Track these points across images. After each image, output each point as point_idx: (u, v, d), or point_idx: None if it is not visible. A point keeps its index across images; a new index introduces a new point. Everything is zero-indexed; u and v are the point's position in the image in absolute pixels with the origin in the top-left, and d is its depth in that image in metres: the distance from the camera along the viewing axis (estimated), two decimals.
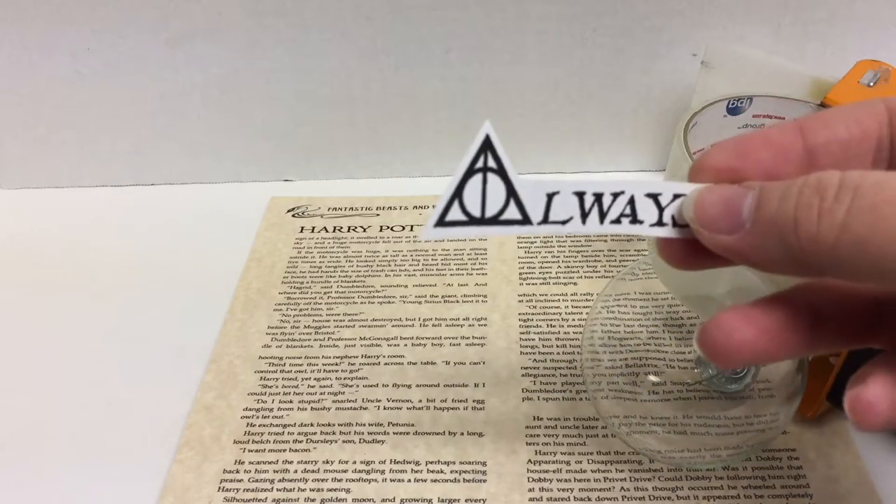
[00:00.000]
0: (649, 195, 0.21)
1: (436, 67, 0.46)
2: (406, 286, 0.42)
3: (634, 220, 0.21)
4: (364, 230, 0.47)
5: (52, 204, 0.51)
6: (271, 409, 0.36)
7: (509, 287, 0.42)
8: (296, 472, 0.33)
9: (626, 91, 0.47)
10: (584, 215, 0.21)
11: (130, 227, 0.48)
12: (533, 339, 0.39)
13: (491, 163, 0.21)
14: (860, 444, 0.33)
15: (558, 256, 0.44)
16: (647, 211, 0.21)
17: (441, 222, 0.20)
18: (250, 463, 0.34)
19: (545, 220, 0.21)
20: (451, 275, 0.43)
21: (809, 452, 0.33)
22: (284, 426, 0.35)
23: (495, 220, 0.21)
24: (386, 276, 0.43)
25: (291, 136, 0.50)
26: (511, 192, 0.21)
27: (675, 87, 0.46)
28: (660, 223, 0.21)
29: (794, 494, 0.31)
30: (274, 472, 0.33)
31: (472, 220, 0.21)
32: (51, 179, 0.52)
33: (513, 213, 0.21)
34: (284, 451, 0.34)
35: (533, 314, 0.40)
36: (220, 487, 0.33)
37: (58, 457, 0.35)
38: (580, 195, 0.21)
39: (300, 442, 0.34)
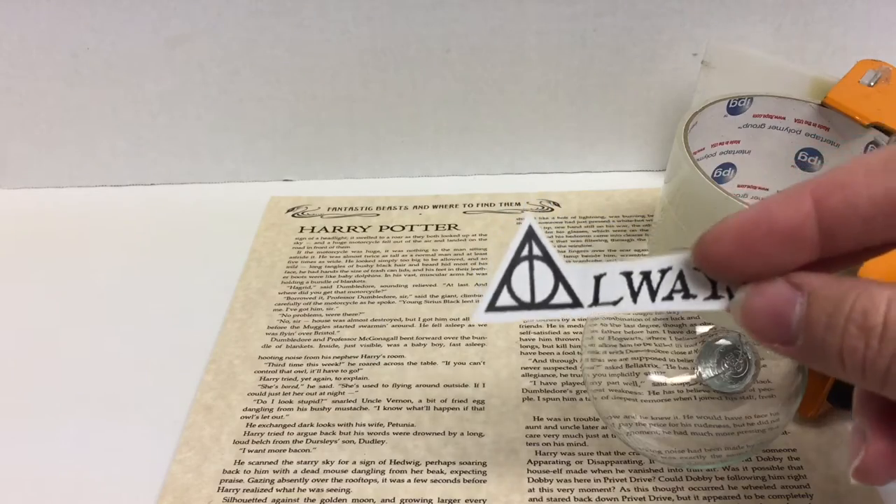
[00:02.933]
0: (698, 268, 0.21)
1: (436, 67, 0.46)
2: (406, 286, 0.42)
3: (687, 295, 0.21)
4: (364, 230, 0.47)
5: (52, 204, 0.51)
6: (271, 410, 0.36)
7: None
8: (295, 472, 0.33)
9: (626, 91, 0.47)
10: (634, 294, 0.21)
11: (130, 227, 0.48)
12: (533, 339, 0.39)
13: (536, 251, 0.22)
14: None
15: None
16: (698, 285, 0.21)
17: (492, 307, 0.21)
18: (250, 463, 0.34)
19: (595, 302, 0.21)
20: (451, 275, 0.43)
21: (810, 452, 0.33)
22: (284, 426, 0.35)
23: (546, 305, 0.21)
24: (386, 276, 0.43)
25: (291, 136, 0.50)
26: (559, 277, 0.22)
27: (676, 87, 0.46)
28: (714, 296, 0.21)
29: (795, 495, 0.31)
30: (274, 472, 0.33)
31: (522, 305, 0.21)
32: (51, 179, 0.52)
33: (563, 297, 0.21)
34: (284, 451, 0.34)
35: None
36: (219, 488, 0.33)
37: (57, 457, 0.35)
38: (627, 275, 0.21)
39: (300, 442, 0.34)
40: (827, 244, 0.19)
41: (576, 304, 0.21)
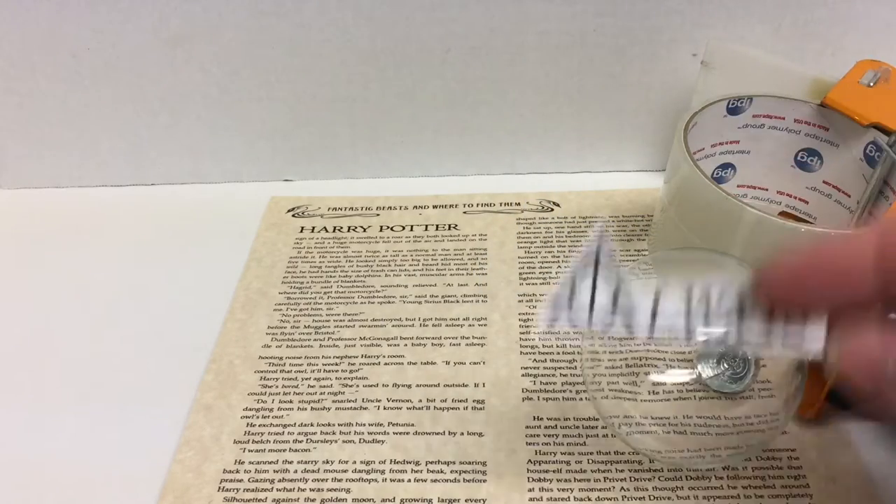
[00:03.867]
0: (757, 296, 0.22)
1: (436, 67, 0.46)
2: (406, 286, 0.42)
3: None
4: (364, 230, 0.47)
5: (52, 204, 0.51)
6: (271, 409, 0.36)
7: (509, 287, 0.42)
8: (296, 472, 0.33)
9: (626, 91, 0.47)
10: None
11: (130, 227, 0.48)
12: (533, 339, 0.39)
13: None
14: (860, 445, 0.33)
15: (558, 256, 0.44)
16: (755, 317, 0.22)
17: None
18: (250, 463, 0.34)
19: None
20: (451, 275, 0.43)
21: (809, 452, 0.33)
22: (284, 426, 0.35)
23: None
24: (386, 276, 0.43)
25: (291, 136, 0.50)
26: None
27: (675, 87, 0.46)
28: (769, 328, 0.21)
29: (794, 494, 0.31)
30: (274, 472, 0.33)
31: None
32: (51, 179, 0.52)
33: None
34: (284, 451, 0.34)
35: (533, 314, 0.40)
36: (220, 487, 0.33)
37: (58, 456, 0.35)
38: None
39: (300, 442, 0.34)
40: (888, 285, 0.19)
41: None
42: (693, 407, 0.34)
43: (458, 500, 0.32)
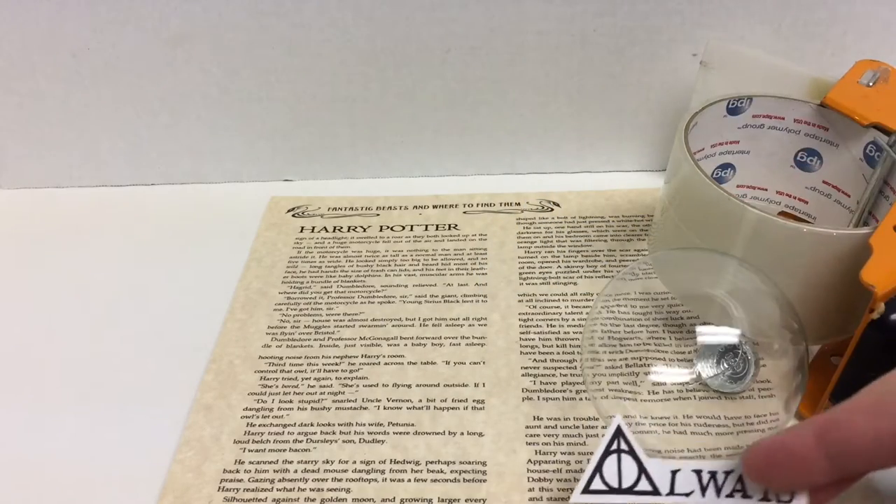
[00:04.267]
0: None
1: (436, 67, 0.46)
2: (406, 286, 0.42)
3: (744, 494, 0.25)
4: (364, 230, 0.47)
5: (52, 204, 0.51)
6: (271, 409, 0.36)
7: (509, 287, 0.42)
8: (296, 472, 0.33)
9: (626, 91, 0.47)
10: (703, 489, 0.26)
11: (130, 227, 0.48)
12: (533, 339, 0.39)
13: (623, 446, 0.27)
14: None
15: (558, 256, 0.44)
16: (755, 487, 0.25)
17: (587, 490, 0.26)
18: (250, 463, 0.34)
19: (671, 492, 0.26)
20: (451, 275, 0.43)
21: None
22: (284, 426, 0.35)
23: (630, 491, 0.26)
24: (386, 276, 0.43)
25: (291, 136, 0.50)
26: (642, 469, 0.26)
27: (675, 87, 0.47)
28: (766, 499, 0.25)
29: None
30: (274, 471, 0.33)
31: (611, 490, 0.26)
32: (51, 179, 0.52)
33: (644, 485, 0.26)
34: (284, 451, 0.34)
35: (533, 314, 0.40)
36: (220, 487, 0.33)
37: (58, 456, 0.35)
38: (698, 472, 0.26)
39: (300, 442, 0.34)
40: (839, 468, 0.22)
41: (655, 492, 0.26)
42: (693, 407, 0.34)
43: (458, 500, 0.32)
